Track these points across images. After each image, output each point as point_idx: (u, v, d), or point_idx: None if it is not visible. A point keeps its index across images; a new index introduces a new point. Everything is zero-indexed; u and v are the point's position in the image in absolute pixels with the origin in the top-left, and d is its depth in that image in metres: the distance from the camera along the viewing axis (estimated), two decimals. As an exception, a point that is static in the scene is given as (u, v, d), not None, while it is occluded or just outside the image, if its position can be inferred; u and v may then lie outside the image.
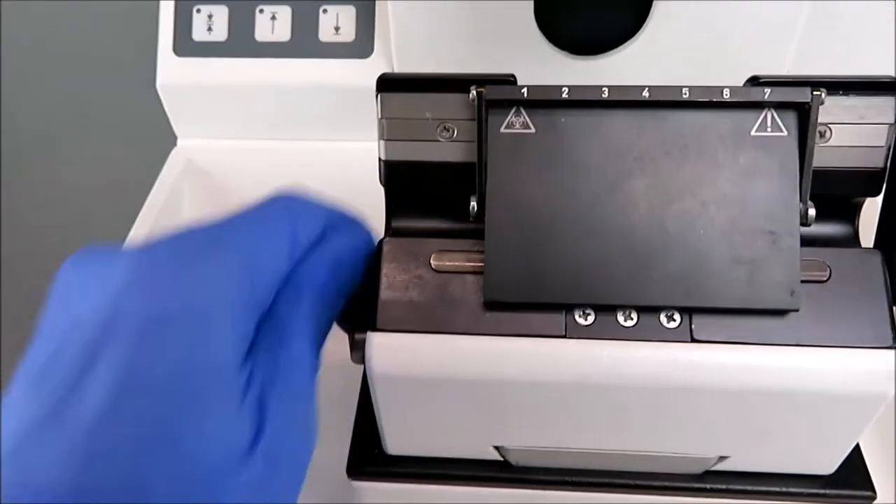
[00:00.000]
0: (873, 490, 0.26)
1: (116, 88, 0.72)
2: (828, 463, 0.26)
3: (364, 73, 0.39)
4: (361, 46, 0.39)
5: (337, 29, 0.39)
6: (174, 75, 0.40)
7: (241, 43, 0.39)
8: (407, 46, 0.37)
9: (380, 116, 0.24)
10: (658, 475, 0.27)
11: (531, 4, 0.34)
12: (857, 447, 0.28)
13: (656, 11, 0.34)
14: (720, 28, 0.34)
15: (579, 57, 0.36)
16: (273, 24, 0.39)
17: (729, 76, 0.25)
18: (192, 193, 0.41)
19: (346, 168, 0.36)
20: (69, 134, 0.82)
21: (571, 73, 0.36)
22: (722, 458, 0.26)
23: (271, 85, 0.39)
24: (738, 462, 0.26)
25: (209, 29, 0.39)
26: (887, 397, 0.22)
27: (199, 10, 0.39)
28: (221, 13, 0.39)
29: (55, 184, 0.85)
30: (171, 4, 0.40)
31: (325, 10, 0.39)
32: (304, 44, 0.39)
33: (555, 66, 0.36)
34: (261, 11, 0.39)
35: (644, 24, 0.35)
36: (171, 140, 0.43)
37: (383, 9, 0.38)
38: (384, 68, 0.38)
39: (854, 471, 0.27)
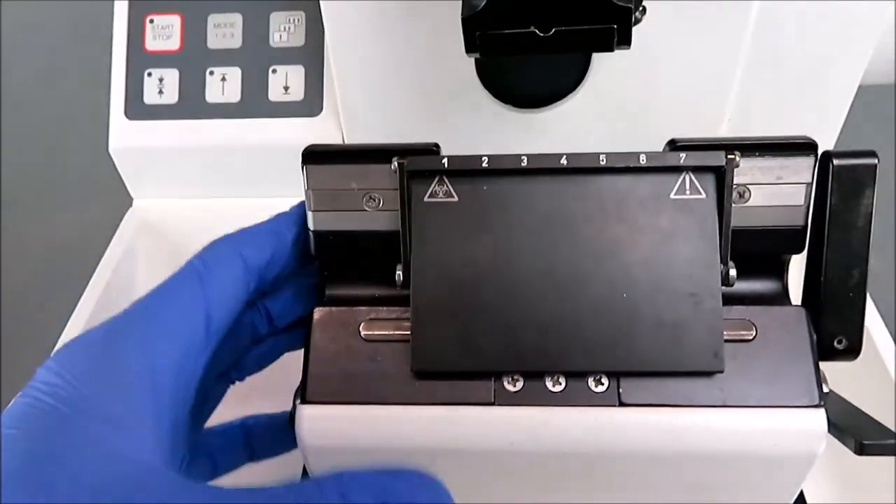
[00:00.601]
0: None
1: (74, 151, 0.73)
2: (770, 519, 0.26)
3: (314, 130, 0.39)
4: (311, 105, 0.39)
5: (286, 88, 0.40)
6: (126, 138, 0.40)
7: (191, 105, 0.40)
8: (353, 106, 0.37)
9: (306, 188, 0.24)
10: None
11: (472, 62, 0.35)
12: (801, 497, 0.27)
13: (595, 67, 0.35)
14: (658, 82, 0.35)
15: (524, 110, 0.37)
16: (223, 86, 0.40)
17: (669, 128, 0.25)
18: (147, 252, 0.41)
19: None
20: (26, 195, 0.83)
21: (516, 126, 0.37)
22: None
23: (223, 145, 0.40)
24: (681, 522, 0.26)
25: (160, 92, 0.40)
26: (816, 456, 0.22)
27: (150, 74, 0.40)
28: (172, 76, 0.40)
29: (12, 244, 0.85)
30: (123, 69, 0.40)
31: (274, 71, 0.39)
32: (254, 104, 0.39)
33: (499, 120, 0.37)
34: (211, 73, 0.40)
35: (584, 79, 0.35)
36: (127, 200, 0.44)
37: (332, 69, 0.38)
38: (334, 126, 0.39)
39: None
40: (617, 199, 0.23)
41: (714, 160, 0.22)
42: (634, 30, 0.24)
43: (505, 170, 0.23)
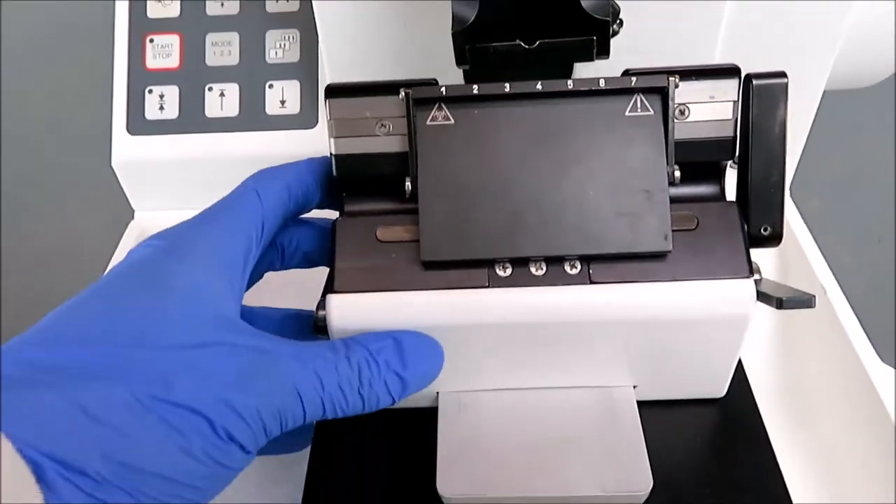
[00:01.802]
0: (758, 414, 0.32)
1: (76, 163, 0.74)
2: (717, 385, 0.31)
3: (310, 142, 0.42)
4: (306, 117, 0.42)
5: (283, 102, 0.42)
6: (128, 153, 0.43)
7: (191, 119, 0.42)
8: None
9: (329, 118, 0.29)
10: None
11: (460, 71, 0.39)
12: (746, 381, 0.33)
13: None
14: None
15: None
16: (222, 101, 0.42)
17: None
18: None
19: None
20: (28, 207, 0.84)
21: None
22: (636, 387, 0.31)
23: (222, 157, 0.42)
24: (645, 391, 0.31)
25: (161, 108, 0.43)
26: (748, 317, 0.28)
27: (150, 91, 0.43)
28: (172, 92, 0.43)
29: (14, 255, 0.86)
30: (124, 86, 0.43)
31: (270, 86, 0.42)
32: (251, 118, 0.42)
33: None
34: (210, 89, 0.42)
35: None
36: (129, 213, 0.46)
37: (325, 81, 0.41)
38: (327, 137, 0.42)
39: (741, 396, 0.32)
40: (584, 117, 0.28)
41: (659, 82, 0.28)
42: (613, 40, 0.27)
43: (492, 94, 0.28)
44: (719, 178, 0.31)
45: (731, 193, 0.31)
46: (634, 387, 0.31)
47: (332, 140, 0.30)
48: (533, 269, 0.28)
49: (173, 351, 0.23)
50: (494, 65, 0.28)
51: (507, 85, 0.28)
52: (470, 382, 0.31)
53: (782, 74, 0.28)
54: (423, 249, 0.28)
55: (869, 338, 0.36)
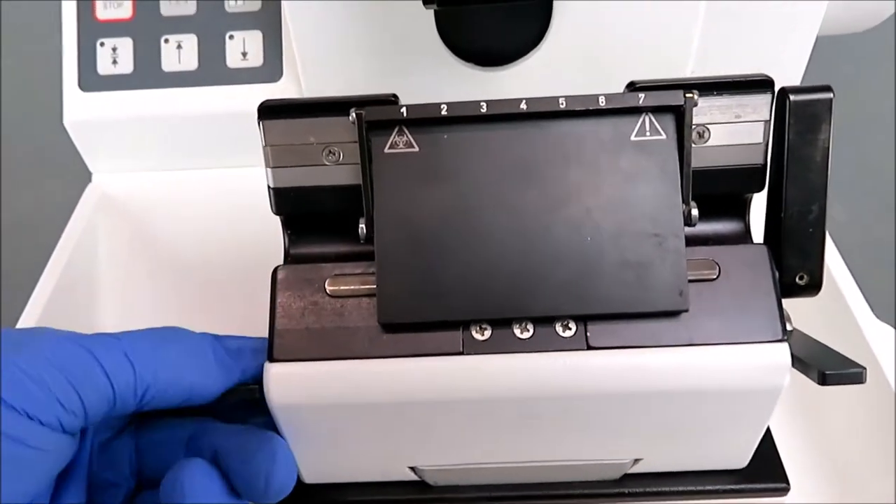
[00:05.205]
0: (786, 481, 0.27)
1: (28, 125, 0.71)
2: (739, 457, 0.26)
3: (275, 96, 0.38)
4: (270, 71, 0.39)
5: (244, 54, 0.39)
6: (81, 111, 0.39)
7: (147, 74, 0.39)
8: (313, 69, 0.36)
9: (264, 144, 0.24)
10: (577, 483, 0.27)
11: (433, 23, 0.34)
12: (772, 441, 0.28)
13: (556, 20, 0.35)
14: (620, 31, 0.35)
15: (486, 69, 0.36)
16: (179, 54, 0.39)
17: (634, 77, 0.25)
18: (108, 227, 0.40)
19: (261, 194, 0.36)
20: None
21: (479, 86, 0.36)
22: (637, 461, 0.26)
23: (181, 114, 0.39)
24: (653, 463, 0.26)
25: (114, 62, 0.39)
26: (781, 389, 0.23)
27: (102, 44, 0.39)
28: (126, 45, 0.39)
29: None
30: (74, 39, 0.39)
31: (231, 37, 0.38)
32: (212, 71, 0.38)
33: (462, 80, 0.36)
34: (166, 41, 0.39)
35: (546, 34, 0.35)
36: (86, 175, 0.43)
37: (290, 32, 0.38)
38: (294, 91, 0.38)
39: (767, 463, 0.27)
40: (578, 142, 0.23)
41: (672, 99, 0.22)
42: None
43: (464, 117, 0.23)
44: (743, 211, 0.25)
45: (756, 229, 0.25)
46: (637, 460, 0.26)
47: (269, 171, 0.24)
48: (517, 332, 0.23)
49: None
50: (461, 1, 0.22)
51: (484, 104, 0.23)
52: (444, 458, 0.26)
53: (827, 89, 0.23)
54: (381, 309, 0.23)
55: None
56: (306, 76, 0.37)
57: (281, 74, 0.38)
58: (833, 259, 0.34)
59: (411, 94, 0.37)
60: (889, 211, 0.66)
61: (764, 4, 0.36)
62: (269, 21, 0.39)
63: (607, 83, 0.37)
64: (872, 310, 0.32)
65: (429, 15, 0.34)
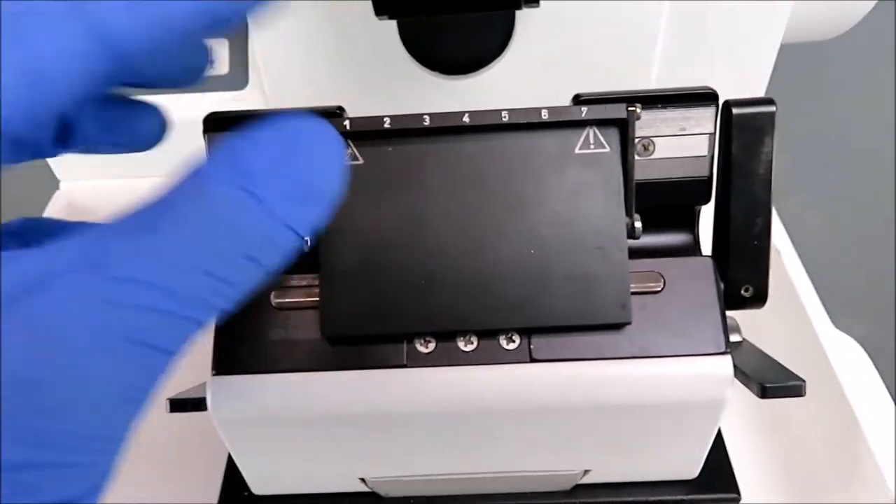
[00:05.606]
0: (737, 491, 0.27)
1: None
2: (689, 468, 0.26)
3: (240, 105, 0.38)
4: (236, 79, 0.39)
5: (210, 63, 0.39)
6: None
7: None
8: (277, 78, 0.36)
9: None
10: (529, 494, 0.27)
11: (396, 31, 0.34)
12: (724, 451, 0.28)
13: (520, 29, 0.35)
14: (584, 39, 0.35)
15: (451, 77, 0.36)
16: None
17: (598, 85, 0.25)
18: (75, 236, 0.40)
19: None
20: None
21: (445, 94, 0.36)
22: (587, 472, 0.26)
23: None
24: (603, 474, 0.26)
25: None
26: (724, 401, 0.23)
27: None
28: None
29: None
30: None
31: None
32: None
33: (427, 88, 0.36)
34: None
35: (510, 42, 0.35)
36: (54, 182, 0.43)
37: (255, 42, 0.38)
38: (259, 100, 0.38)
39: (719, 473, 0.27)
40: (523, 155, 0.23)
41: (615, 113, 0.22)
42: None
43: (408, 129, 0.23)
44: (692, 224, 0.25)
45: (706, 242, 0.25)
46: (587, 471, 0.26)
47: (215, 182, 0.24)
48: (461, 344, 0.23)
49: None
50: (414, 13, 0.24)
51: (427, 117, 0.23)
52: (393, 469, 0.26)
53: (769, 101, 0.23)
54: (325, 322, 0.23)
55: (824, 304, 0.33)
56: (270, 85, 0.37)
57: (247, 83, 0.39)
58: (794, 268, 0.34)
59: (376, 103, 0.38)
60: (862, 219, 0.66)
61: (728, 13, 0.36)
62: (235, 30, 0.39)
63: (572, 90, 0.38)
64: (840, 318, 0.32)
65: (393, 24, 0.34)
